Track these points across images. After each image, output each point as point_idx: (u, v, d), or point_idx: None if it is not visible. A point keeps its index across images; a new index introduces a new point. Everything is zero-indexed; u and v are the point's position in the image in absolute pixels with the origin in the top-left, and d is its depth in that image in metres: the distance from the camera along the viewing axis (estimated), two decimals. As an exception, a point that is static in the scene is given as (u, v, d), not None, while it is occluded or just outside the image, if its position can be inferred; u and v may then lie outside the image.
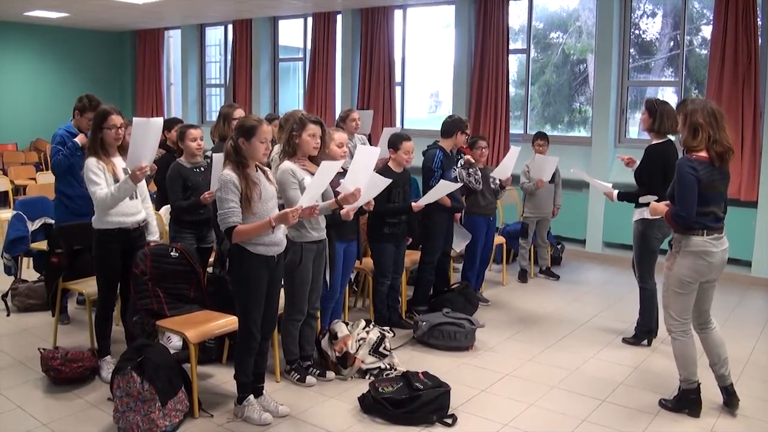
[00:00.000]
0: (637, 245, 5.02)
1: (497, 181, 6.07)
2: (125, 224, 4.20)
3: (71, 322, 5.38)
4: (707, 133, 3.68)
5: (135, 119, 4.01)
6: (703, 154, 3.71)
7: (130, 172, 4.01)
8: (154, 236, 4.46)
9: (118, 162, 4.21)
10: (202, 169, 4.85)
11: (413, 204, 5.12)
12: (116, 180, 4.10)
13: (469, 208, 5.94)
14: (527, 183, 6.90)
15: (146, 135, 3.97)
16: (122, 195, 4.03)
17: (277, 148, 4.74)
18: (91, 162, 4.09)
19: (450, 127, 5.64)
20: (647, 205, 4.79)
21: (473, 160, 5.94)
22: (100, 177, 4.05)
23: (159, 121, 4.09)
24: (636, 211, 4.96)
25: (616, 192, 4.91)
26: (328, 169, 3.70)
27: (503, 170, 5.93)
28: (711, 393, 4.04)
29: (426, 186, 5.44)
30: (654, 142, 4.85)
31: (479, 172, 5.94)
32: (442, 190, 5.14)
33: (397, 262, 5.33)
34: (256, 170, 3.67)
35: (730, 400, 3.97)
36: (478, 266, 6.24)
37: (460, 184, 5.39)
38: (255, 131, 3.57)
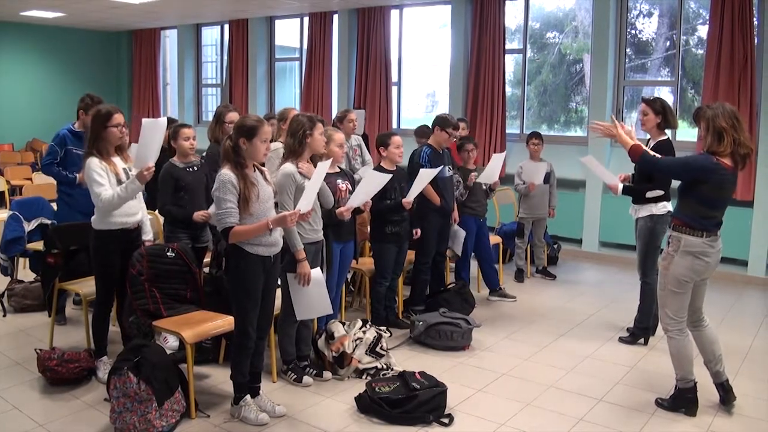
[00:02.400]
0: (643, 241, 5.02)
1: (486, 184, 6.10)
2: (127, 224, 4.19)
3: (68, 323, 5.37)
4: (731, 136, 3.67)
5: (144, 120, 4.02)
6: (727, 161, 3.71)
7: (135, 171, 4.01)
8: (148, 236, 4.44)
9: (118, 162, 4.20)
10: (196, 168, 4.84)
11: (403, 201, 5.12)
12: (118, 180, 4.09)
13: (460, 208, 5.96)
14: (520, 185, 6.93)
15: (153, 135, 3.99)
16: (130, 195, 4.01)
17: (273, 146, 4.73)
18: (94, 162, 4.04)
19: (432, 124, 5.66)
20: (655, 200, 4.85)
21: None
22: (103, 178, 4.02)
23: (164, 121, 4.12)
24: (643, 208, 4.96)
25: (621, 186, 4.93)
26: (322, 170, 3.73)
27: (489, 176, 5.94)
28: (707, 392, 4.06)
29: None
30: (659, 139, 4.89)
31: (460, 179, 6.01)
32: (424, 178, 5.12)
33: (397, 262, 5.34)
34: (254, 170, 3.67)
35: (727, 397, 3.99)
36: (486, 267, 6.32)
37: (439, 169, 5.34)
38: (257, 131, 3.57)
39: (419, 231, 5.51)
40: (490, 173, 5.91)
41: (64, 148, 5.19)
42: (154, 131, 4.00)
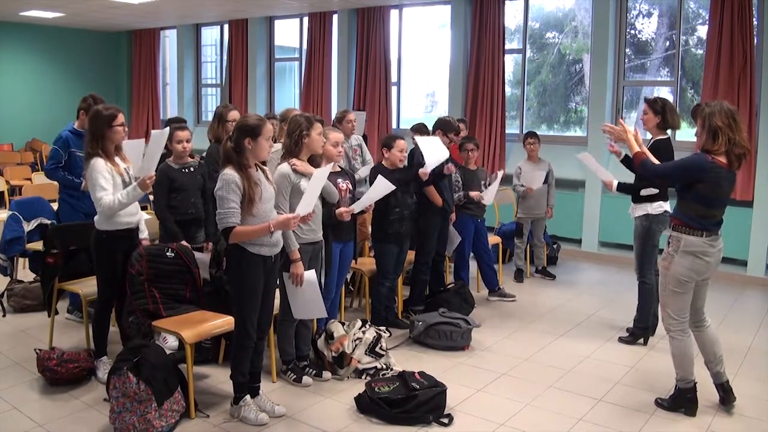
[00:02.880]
0: (640, 240, 5.03)
1: (486, 182, 6.20)
2: (132, 224, 4.23)
3: (66, 323, 5.35)
4: (727, 136, 3.67)
5: (153, 131, 4.10)
6: (722, 159, 3.71)
7: (136, 175, 4.05)
8: (143, 234, 4.46)
9: (119, 162, 4.20)
10: (192, 169, 4.88)
11: (420, 171, 5.06)
12: (123, 181, 4.11)
13: (458, 208, 5.97)
14: (519, 186, 6.94)
15: (158, 145, 4.04)
16: (130, 202, 4.04)
17: (274, 147, 4.74)
18: (100, 164, 4.03)
19: (434, 126, 5.68)
20: (650, 198, 4.87)
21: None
22: (108, 181, 4.00)
23: (167, 131, 4.21)
24: (638, 207, 4.99)
25: (615, 182, 4.94)
26: (320, 175, 3.74)
27: (489, 197, 6.05)
28: (707, 392, 4.06)
29: (420, 183, 5.46)
30: (658, 137, 4.90)
31: (460, 180, 6.05)
32: (434, 147, 5.11)
33: (398, 262, 5.34)
34: (257, 170, 3.67)
35: (727, 398, 3.99)
36: (484, 267, 6.33)
37: (445, 149, 5.33)
38: (261, 130, 3.57)
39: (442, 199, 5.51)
40: (491, 194, 6.02)
41: (67, 150, 5.16)
42: (159, 141, 4.06)
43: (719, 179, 3.71)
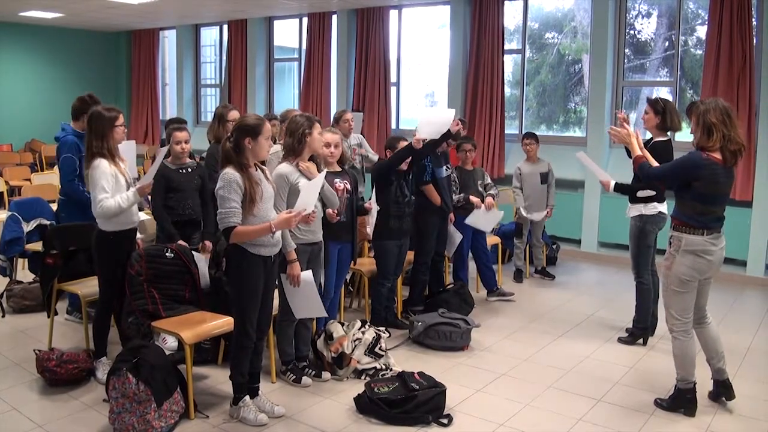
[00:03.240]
0: (634, 241, 5.05)
1: (484, 183, 6.24)
2: (136, 223, 4.28)
3: (66, 324, 5.35)
4: (721, 132, 3.69)
5: (161, 148, 4.28)
6: (717, 155, 3.71)
7: (137, 186, 4.11)
8: (140, 234, 4.47)
9: (120, 163, 4.21)
10: (190, 170, 4.88)
11: (413, 140, 4.99)
12: (126, 181, 4.14)
13: (456, 208, 5.98)
14: (518, 187, 6.95)
15: (160, 157, 4.18)
16: (129, 206, 4.07)
17: (273, 148, 4.75)
18: (105, 165, 4.03)
19: None
20: (645, 199, 4.88)
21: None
22: (109, 184, 4.01)
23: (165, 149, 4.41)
24: (633, 208, 5.00)
25: (613, 182, 4.95)
26: (320, 178, 3.75)
27: (486, 225, 6.11)
28: (707, 392, 4.07)
29: (419, 181, 5.47)
30: (657, 139, 4.90)
31: (456, 178, 6.07)
32: (433, 120, 5.07)
33: (398, 262, 5.34)
34: (256, 169, 3.67)
35: (727, 394, 4.00)
36: (482, 268, 6.33)
37: (452, 112, 5.21)
38: (260, 129, 3.58)
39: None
40: (487, 222, 6.08)
41: (79, 155, 4.98)
42: (161, 154, 4.21)
43: (716, 176, 3.72)
